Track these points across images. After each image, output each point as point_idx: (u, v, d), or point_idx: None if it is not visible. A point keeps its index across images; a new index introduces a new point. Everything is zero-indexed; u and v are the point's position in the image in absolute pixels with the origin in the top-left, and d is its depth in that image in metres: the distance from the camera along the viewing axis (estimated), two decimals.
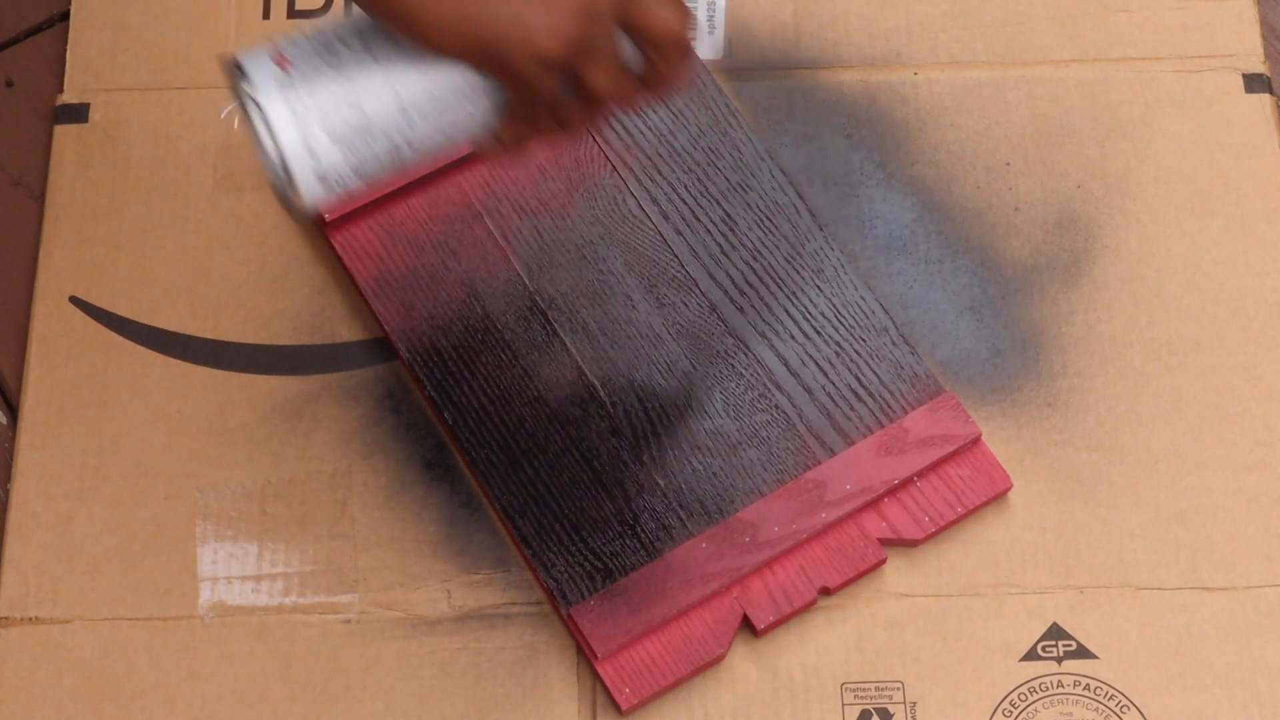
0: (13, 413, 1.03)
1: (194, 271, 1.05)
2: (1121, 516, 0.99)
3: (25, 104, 1.11)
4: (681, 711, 0.95)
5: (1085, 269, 1.06)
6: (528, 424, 0.99)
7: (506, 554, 0.98)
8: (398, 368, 1.03)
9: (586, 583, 0.95)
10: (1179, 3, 1.13)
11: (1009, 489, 0.99)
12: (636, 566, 0.96)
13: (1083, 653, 0.96)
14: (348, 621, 0.97)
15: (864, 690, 0.95)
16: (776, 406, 1.00)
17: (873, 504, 0.98)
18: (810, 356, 1.01)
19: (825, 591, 0.97)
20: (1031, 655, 0.96)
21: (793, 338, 1.02)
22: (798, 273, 1.03)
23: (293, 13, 1.12)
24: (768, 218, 1.05)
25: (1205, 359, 1.03)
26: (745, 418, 1.00)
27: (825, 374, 1.01)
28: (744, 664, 0.96)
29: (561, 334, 1.02)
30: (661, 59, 0.81)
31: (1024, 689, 0.95)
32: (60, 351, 1.03)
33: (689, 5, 1.11)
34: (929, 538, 0.98)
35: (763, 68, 1.11)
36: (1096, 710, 0.95)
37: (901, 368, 1.01)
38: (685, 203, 1.05)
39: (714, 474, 0.98)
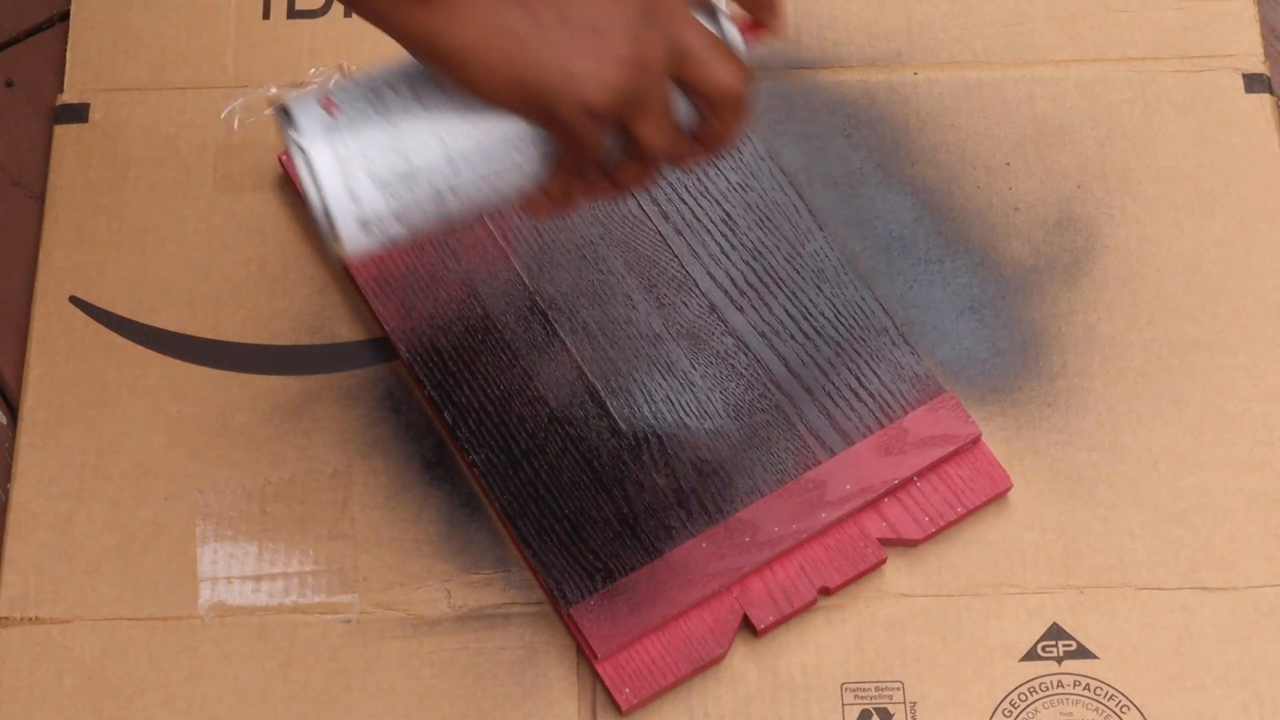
0: (13, 413, 1.03)
1: (194, 271, 1.05)
2: (1121, 516, 0.99)
3: (25, 104, 1.11)
4: (681, 711, 0.95)
5: (1085, 269, 1.06)
6: (528, 424, 0.99)
7: (506, 554, 0.98)
8: (398, 368, 1.03)
9: (586, 583, 0.95)
10: (1179, 3, 1.13)
11: (1009, 489, 0.99)
12: (636, 566, 0.96)
13: (1083, 653, 0.96)
14: (348, 621, 0.97)
15: (864, 690, 0.95)
16: (776, 406, 1.00)
17: (873, 504, 0.98)
18: (810, 356, 1.01)
19: (825, 591, 0.97)
20: (1031, 655, 0.96)
21: (793, 338, 1.02)
22: (798, 273, 1.03)
23: (293, 13, 1.12)
24: (768, 218, 1.05)
25: (1205, 359, 1.03)
26: (745, 418, 1.00)
27: (825, 374, 1.01)
28: (744, 664, 0.96)
29: (561, 334, 1.02)
30: (717, 117, 0.78)
31: (1024, 689, 0.95)
32: (60, 351, 1.03)
33: None
34: (929, 538, 0.98)
35: (763, 68, 1.11)
36: (1096, 710, 0.95)
37: (901, 368, 1.01)
38: (685, 203, 1.05)
39: (714, 474, 0.98)
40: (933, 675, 0.96)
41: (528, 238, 1.04)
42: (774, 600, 0.96)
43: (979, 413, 1.02)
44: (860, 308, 1.02)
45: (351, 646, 0.96)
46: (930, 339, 1.04)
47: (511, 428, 0.99)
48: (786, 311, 1.02)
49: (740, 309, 1.02)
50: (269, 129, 1.09)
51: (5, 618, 0.97)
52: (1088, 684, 0.96)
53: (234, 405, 1.02)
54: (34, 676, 0.96)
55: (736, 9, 0.81)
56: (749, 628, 0.96)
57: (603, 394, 1.00)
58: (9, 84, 1.12)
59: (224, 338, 1.04)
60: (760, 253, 1.04)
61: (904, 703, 0.95)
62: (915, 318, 1.04)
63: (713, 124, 0.79)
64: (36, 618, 0.97)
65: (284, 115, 0.78)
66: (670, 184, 1.05)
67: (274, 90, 1.09)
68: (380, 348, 1.03)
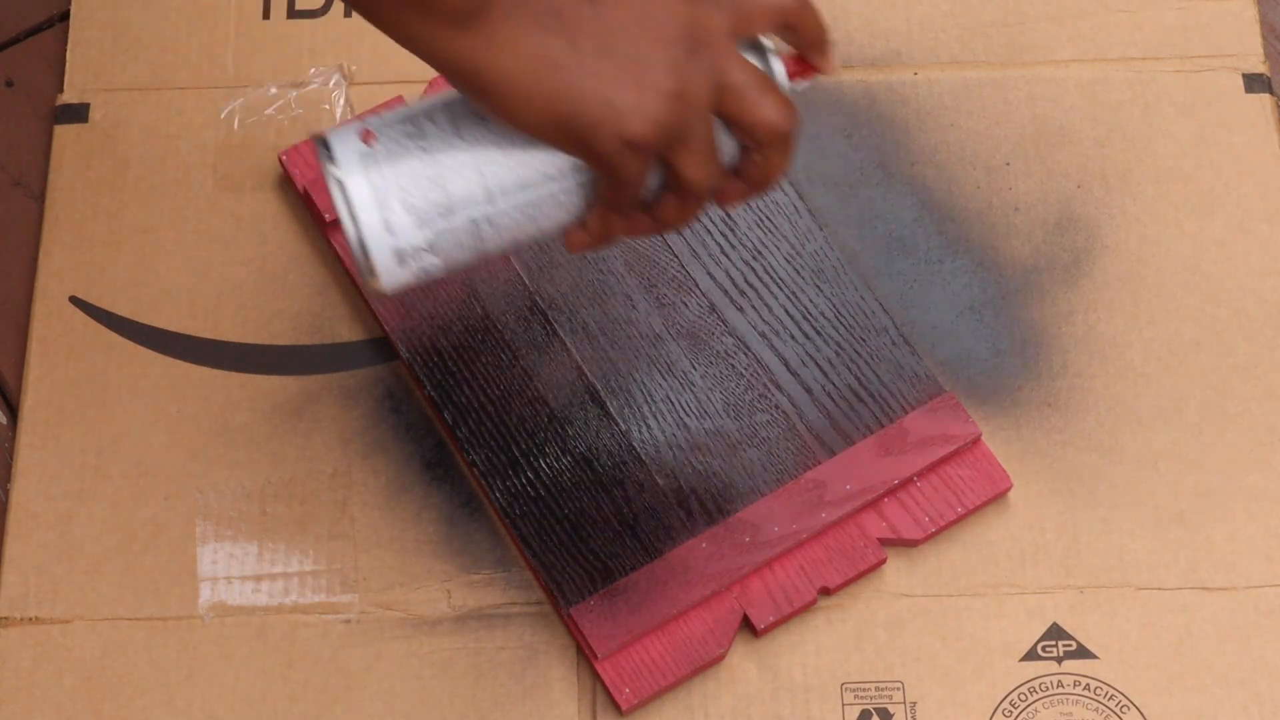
0: (13, 413, 1.03)
1: (194, 271, 1.05)
2: (1121, 516, 0.99)
3: (25, 104, 1.11)
4: (681, 711, 0.95)
5: (1085, 269, 1.06)
6: (528, 424, 0.99)
7: (506, 554, 0.98)
8: (398, 368, 1.03)
9: (586, 583, 0.95)
10: (1179, 3, 1.13)
11: (1009, 489, 0.99)
12: (636, 566, 0.96)
13: (1083, 653, 0.96)
14: (348, 621, 0.97)
15: (864, 690, 0.95)
16: (776, 406, 1.00)
17: (873, 504, 0.98)
18: (810, 356, 1.01)
19: (825, 591, 0.97)
20: (1031, 655, 0.96)
21: (793, 338, 1.02)
22: (798, 273, 1.03)
23: (293, 13, 1.12)
24: (768, 218, 1.05)
25: (1205, 359, 1.03)
26: (745, 418, 1.00)
27: (825, 374, 1.01)
28: (744, 664, 0.96)
29: (561, 334, 1.02)
30: (761, 154, 0.77)
31: (1024, 689, 0.95)
32: (60, 351, 1.03)
33: None
34: (929, 538, 0.98)
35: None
36: (1096, 710, 0.95)
37: (901, 368, 1.01)
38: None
39: (714, 474, 0.98)
40: (933, 675, 0.96)
41: None
42: (774, 600, 0.96)
43: (979, 413, 1.02)
44: (860, 308, 1.02)
45: (351, 646, 0.96)
46: (930, 339, 1.04)
47: (511, 428, 0.99)
48: (786, 311, 1.02)
49: (740, 309, 1.02)
50: (269, 129, 1.09)
51: (5, 618, 0.97)
52: (1088, 684, 0.96)
53: (234, 405, 1.02)
54: (34, 676, 0.96)
55: (783, 46, 0.81)
56: (749, 628, 0.96)
57: (603, 394, 1.00)
58: (9, 84, 1.12)
59: (224, 338, 1.04)
60: (760, 253, 1.04)
61: (904, 703, 0.95)
62: (915, 318, 1.04)
63: (757, 161, 0.78)
64: (36, 618, 0.97)
65: (322, 147, 0.78)
66: None
67: (274, 90, 1.09)
68: (380, 348, 1.03)
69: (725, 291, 1.03)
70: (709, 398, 1.00)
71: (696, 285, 1.03)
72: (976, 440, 1.00)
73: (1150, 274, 1.05)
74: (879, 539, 0.97)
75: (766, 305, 1.02)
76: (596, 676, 0.95)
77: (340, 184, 0.77)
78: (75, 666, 0.96)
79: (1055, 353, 1.03)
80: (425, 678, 0.96)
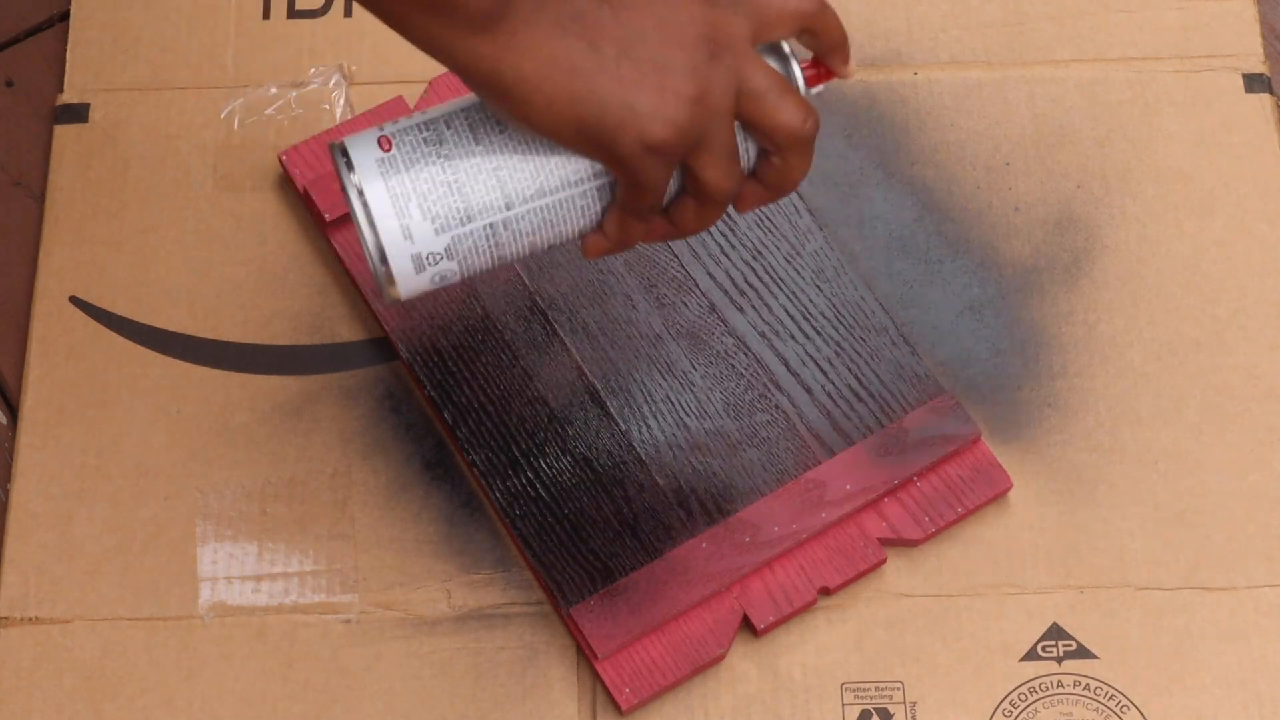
0: (13, 413, 1.03)
1: (194, 271, 1.05)
2: (1121, 516, 0.99)
3: (25, 104, 1.11)
4: (681, 711, 0.95)
5: (1085, 269, 1.06)
6: (528, 424, 0.99)
7: (506, 554, 0.98)
8: (398, 368, 1.03)
9: (586, 583, 0.95)
10: (1179, 3, 1.13)
11: (1009, 489, 0.99)
12: (636, 566, 0.96)
13: (1083, 653, 0.96)
14: (348, 621, 0.97)
15: (864, 690, 0.95)
16: (776, 406, 1.00)
17: (873, 504, 0.98)
18: (810, 356, 1.01)
19: (825, 591, 0.97)
20: (1031, 655, 0.96)
21: (793, 338, 1.02)
22: (798, 273, 1.03)
23: (293, 13, 1.12)
24: (768, 218, 1.05)
25: (1205, 359, 1.03)
26: (745, 418, 1.00)
27: (825, 374, 1.01)
28: (744, 664, 0.96)
29: (561, 334, 1.02)
30: (782, 159, 0.78)
31: (1024, 689, 0.95)
32: (60, 351, 1.03)
33: None
34: (929, 538, 0.98)
35: None
36: (1096, 710, 0.95)
37: (901, 368, 1.01)
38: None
39: (714, 474, 0.98)
40: (933, 675, 0.96)
41: None
42: (774, 600, 0.96)
43: (979, 413, 1.02)
44: (860, 308, 1.02)
45: (351, 646, 0.96)
46: (930, 339, 1.04)
47: (511, 428, 0.99)
48: (786, 311, 1.02)
49: (740, 309, 1.02)
50: (269, 129, 1.09)
51: (5, 618, 0.97)
52: (1088, 684, 0.96)
53: (234, 405, 1.02)
54: (34, 676, 0.96)
55: (802, 50, 0.81)
56: (749, 628, 0.96)
57: (603, 394, 1.00)
58: (9, 84, 1.12)
59: (224, 338, 1.04)
60: (760, 253, 1.04)
61: (904, 703, 0.95)
62: (915, 318, 1.04)
63: (776, 165, 0.78)
64: (36, 618, 0.97)
65: (339, 154, 0.78)
66: None
67: (274, 90, 1.09)
68: (380, 348, 1.03)
69: (725, 291, 1.03)
70: (709, 398, 1.00)
71: (696, 285, 1.03)
72: (976, 440, 1.00)
73: (1150, 274, 1.05)
74: (879, 539, 0.97)
75: (766, 305, 1.02)
76: (596, 676, 0.95)
77: (359, 191, 0.77)
78: (75, 666, 0.96)
79: (1055, 353, 1.03)
80: (425, 678, 0.96)
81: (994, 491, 0.99)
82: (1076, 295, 1.05)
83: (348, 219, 1.04)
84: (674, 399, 1.00)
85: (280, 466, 1.00)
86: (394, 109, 1.06)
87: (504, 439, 0.99)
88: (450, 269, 0.79)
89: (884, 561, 0.98)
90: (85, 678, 0.96)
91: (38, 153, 1.09)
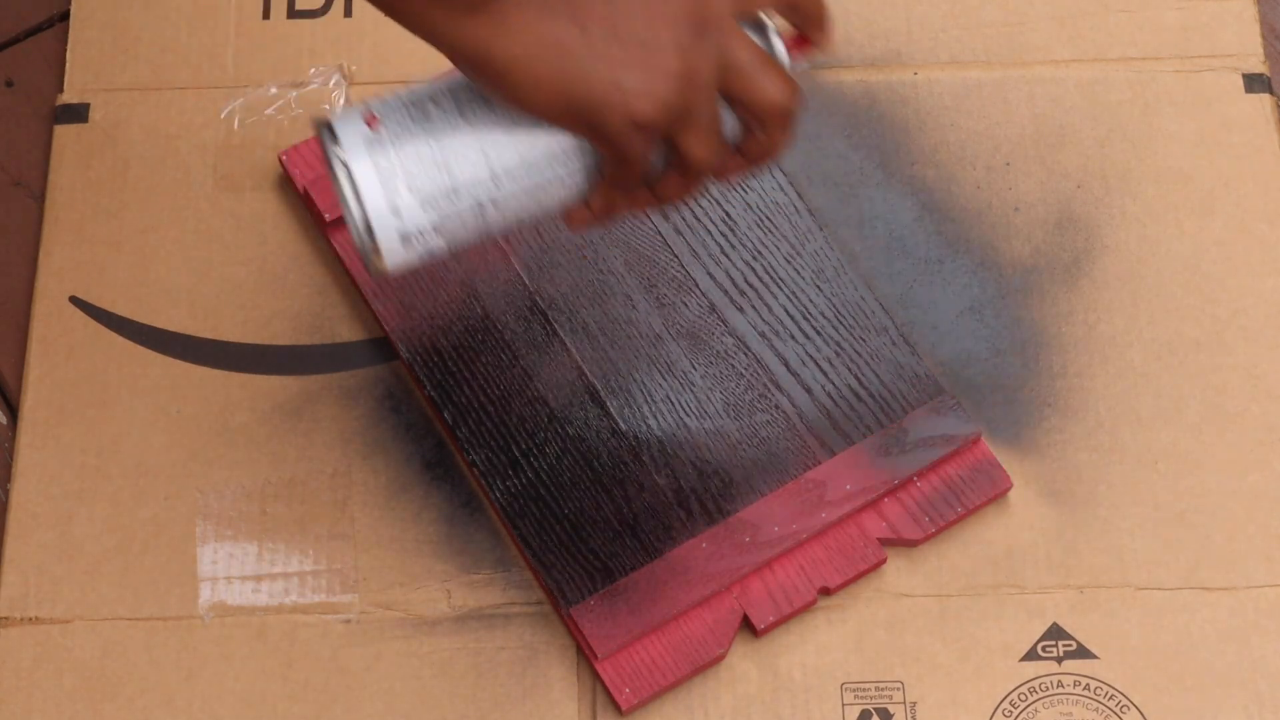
0: (13, 413, 1.03)
1: (194, 271, 1.05)
2: (1121, 516, 0.99)
3: (25, 104, 1.11)
4: (681, 711, 0.95)
5: (1085, 269, 1.06)
6: (528, 424, 0.99)
7: (506, 554, 0.98)
8: (398, 368, 1.03)
9: (586, 583, 0.95)
10: (1179, 3, 1.13)
11: (1009, 489, 0.99)
12: (636, 566, 0.96)
13: (1083, 653, 0.96)
14: (348, 621, 0.97)
15: (864, 690, 0.95)
16: (776, 406, 1.00)
17: (873, 504, 0.98)
18: (810, 356, 1.01)
19: (825, 591, 0.97)
20: (1031, 655, 0.96)
21: (793, 338, 1.02)
22: (798, 273, 1.03)
23: (293, 13, 1.12)
24: (768, 218, 1.05)
25: (1205, 359, 1.03)
26: (745, 418, 1.00)
27: (825, 374, 1.01)
28: (744, 664, 0.96)
29: (561, 334, 1.02)
30: (764, 132, 0.79)
31: (1024, 689, 0.95)
32: (60, 351, 1.03)
33: None
34: (929, 538, 0.98)
35: None
36: (1096, 710, 0.95)
37: (901, 368, 1.01)
38: (685, 203, 1.05)
39: (714, 474, 0.98)
40: (933, 675, 0.96)
41: (528, 238, 1.04)
42: (774, 600, 0.96)
43: (979, 413, 1.02)
44: (860, 308, 1.02)
45: (351, 646, 0.96)
46: (930, 339, 1.04)
47: (511, 428, 0.99)
48: (786, 311, 1.02)
49: (740, 309, 1.02)
50: (269, 129, 1.09)
51: (5, 618, 0.97)
52: (1088, 684, 0.96)
53: (234, 405, 1.02)
54: (34, 676, 0.96)
55: (784, 24, 0.81)
56: (749, 628, 0.96)
57: (603, 394, 1.00)
58: (9, 84, 1.12)
59: (224, 338, 1.04)
60: (760, 253, 1.04)
61: (904, 703, 0.95)
62: (915, 318, 1.04)
63: (759, 138, 0.79)
64: (36, 618, 0.97)
65: (326, 130, 0.78)
66: None
67: (274, 90, 1.09)
68: (380, 348, 1.03)
69: (725, 291, 1.03)
70: (709, 398, 1.00)
71: (696, 285, 1.03)
72: (976, 440, 1.00)
73: (1150, 274, 1.05)
74: (879, 539, 0.97)
75: (766, 305, 1.02)
76: (596, 676, 0.95)
77: (346, 167, 0.77)
78: (75, 666, 0.96)
79: (1055, 353, 1.03)
80: (425, 678, 0.96)
81: (994, 491, 0.99)
82: (1076, 295, 1.05)
83: None
84: (674, 399, 1.00)
85: (280, 466, 1.00)
86: None
87: (504, 439, 0.99)
88: (437, 243, 0.79)
89: (884, 561, 0.98)
90: (85, 678, 0.96)
91: (38, 153, 1.09)
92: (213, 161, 1.08)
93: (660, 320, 1.02)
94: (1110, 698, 0.95)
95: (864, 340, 1.01)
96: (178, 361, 1.03)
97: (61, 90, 1.10)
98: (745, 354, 1.01)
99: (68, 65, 1.10)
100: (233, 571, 0.98)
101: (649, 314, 1.02)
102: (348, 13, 1.12)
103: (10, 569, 0.98)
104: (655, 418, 1.00)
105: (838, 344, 1.01)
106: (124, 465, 1.00)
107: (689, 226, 1.04)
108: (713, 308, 1.02)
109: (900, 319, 1.04)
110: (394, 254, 0.79)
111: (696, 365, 1.01)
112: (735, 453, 0.99)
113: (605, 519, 0.97)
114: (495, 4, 0.74)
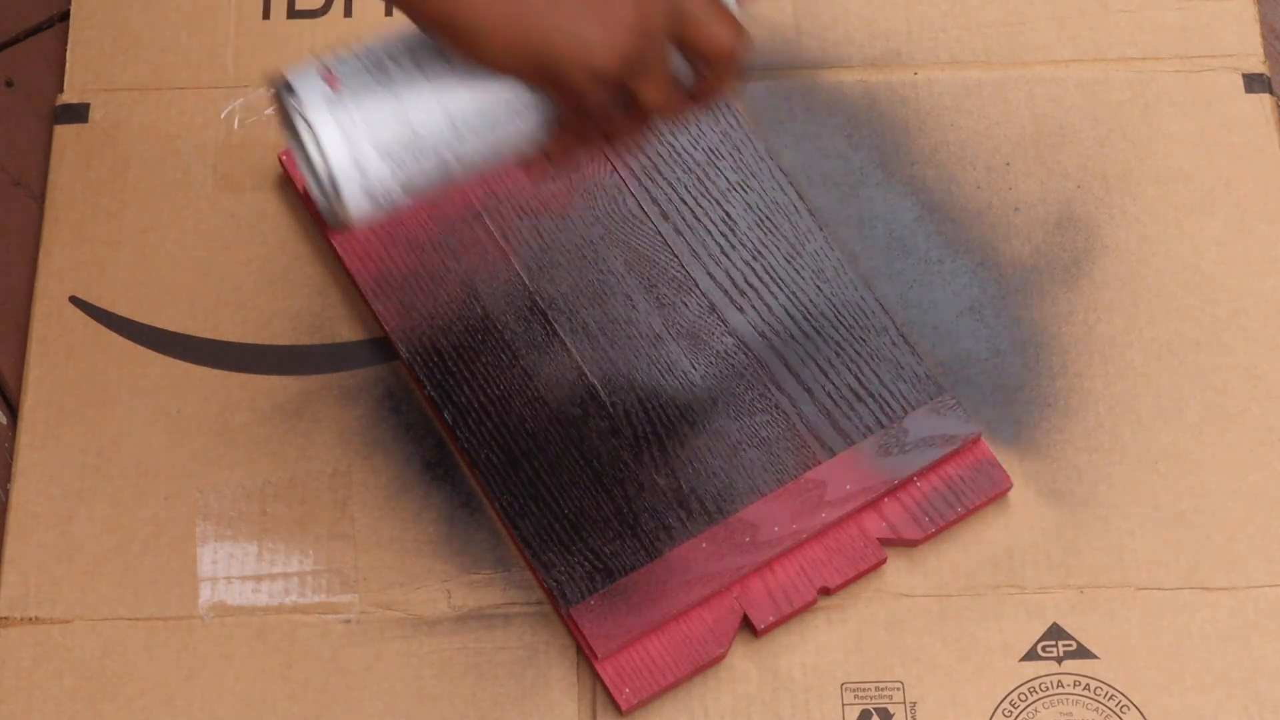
0: (13, 413, 1.03)
1: (194, 271, 1.05)
2: (1121, 516, 0.99)
3: (25, 104, 1.11)
4: (681, 711, 0.95)
5: (1085, 269, 1.06)
6: (528, 424, 0.99)
7: (506, 554, 0.98)
8: (398, 368, 1.03)
9: (586, 583, 0.95)
10: (1179, 3, 1.13)
11: (1009, 489, 0.99)
12: (636, 566, 0.96)
13: (1083, 653, 0.96)
14: (348, 621, 0.97)
15: (864, 690, 0.95)
16: (776, 406, 1.00)
17: (873, 504, 0.98)
18: (810, 356, 1.01)
19: (825, 591, 0.97)
20: (1031, 655, 0.96)
21: (793, 338, 1.02)
22: (798, 273, 1.03)
23: (293, 13, 1.12)
24: (768, 218, 1.05)
25: (1205, 359, 1.03)
26: (745, 418, 1.00)
27: (825, 374, 1.01)
28: (744, 664, 0.96)
29: (561, 334, 1.02)
30: (713, 74, 0.81)
31: (1024, 689, 0.95)
32: (60, 351, 1.03)
33: None
34: (929, 538, 0.98)
35: (763, 68, 1.11)
36: (1096, 710, 0.95)
37: (901, 368, 1.01)
38: (685, 203, 1.05)
39: (714, 474, 0.98)
40: (933, 675, 0.96)
41: (528, 238, 1.04)
42: (774, 600, 0.96)
43: (979, 413, 1.02)
44: (860, 308, 1.02)
45: (351, 646, 0.96)
46: (930, 339, 1.04)
47: (511, 428, 0.99)
48: (786, 311, 1.02)
49: (740, 309, 1.02)
50: (269, 129, 1.09)
51: (5, 618, 0.97)
52: (1088, 684, 0.96)
53: (234, 405, 1.02)
54: (34, 676, 0.96)
55: None
56: (749, 628, 0.96)
57: (603, 394, 1.00)
58: (9, 84, 1.12)
59: (224, 338, 1.04)
60: (760, 253, 1.04)
61: (904, 703, 0.95)
62: (915, 318, 1.04)
63: (709, 80, 0.81)
64: (36, 618, 0.97)
65: (285, 88, 0.79)
66: (670, 184, 1.05)
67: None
68: (380, 348, 1.03)
69: (725, 291, 1.03)
70: (709, 398, 1.00)
71: (696, 285, 1.03)
72: (976, 440, 1.00)
73: (1150, 274, 1.05)
74: (879, 539, 0.97)
75: (766, 305, 1.02)
76: (596, 676, 0.95)
77: (309, 125, 0.78)
78: (75, 666, 0.96)
79: (1055, 353, 1.03)
80: (425, 678, 0.96)
81: (994, 491, 0.99)
82: (1076, 295, 1.05)
83: None
84: (674, 399, 1.00)
85: (280, 466, 1.00)
86: None
87: (504, 439, 0.99)
88: (400, 195, 0.81)
89: (884, 561, 0.98)
90: (85, 678, 0.96)
91: (38, 153, 1.09)
92: (213, 161, 1.08)
93: (660, 320, 1.02)
94: (1110, 698, 0.95)
95: (864, 340, 1.01)
96: (178, 361, 1.03)
97: (61, 90, 1.10)
98: (745, 354, 1.01)
99: (68, 65, 1.10)
100: (233, 571, 0.98)
101: (649, 314, 1.02)
102: (348, 13, 1.12)
103: (10, 569, 0.98)
104: (655, 418, 1.00)
105: (838, 344, 1.01)
106: (124, 465, 1.00)
107: (689, 226, 1.04)
108: (713, 308, 1.02)
109: (900, 319, 1.04)
110: (359, 209, 0.80)
111: (696, 365, 1.01)
112: (735, 453, 0.99)
113: (605, 519, 0.97)
114: None
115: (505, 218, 1.04)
